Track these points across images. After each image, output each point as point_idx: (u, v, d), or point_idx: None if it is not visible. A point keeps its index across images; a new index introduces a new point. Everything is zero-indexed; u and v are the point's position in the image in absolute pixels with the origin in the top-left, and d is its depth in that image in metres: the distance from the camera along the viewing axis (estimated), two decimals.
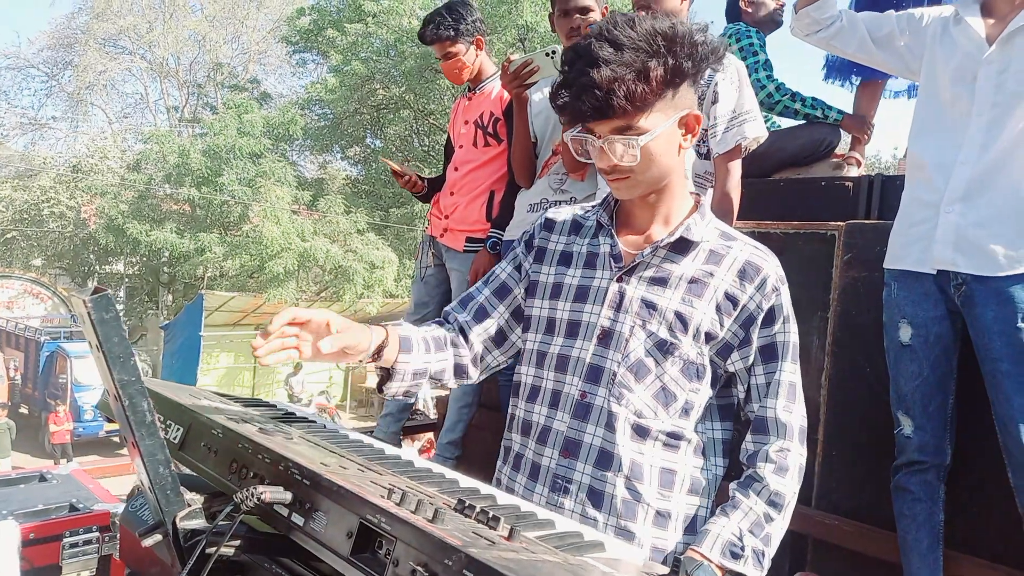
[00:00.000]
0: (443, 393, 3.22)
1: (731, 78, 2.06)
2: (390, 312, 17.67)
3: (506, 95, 2.57)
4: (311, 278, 18.06)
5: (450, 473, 1.22)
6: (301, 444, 1.16)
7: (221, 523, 0.95)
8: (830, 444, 2.04)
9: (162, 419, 1.24)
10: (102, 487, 2.83)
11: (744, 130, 2.05)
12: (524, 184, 2.55)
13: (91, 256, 22.33)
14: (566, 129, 1.23)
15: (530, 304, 1.34)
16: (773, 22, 3.07)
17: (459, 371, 1.35)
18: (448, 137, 3.04)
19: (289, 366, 16.65)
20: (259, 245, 15.14)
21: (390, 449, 1.34)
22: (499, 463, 1.37)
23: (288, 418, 1.50)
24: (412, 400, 2.91)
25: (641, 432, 1.20)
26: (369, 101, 16.83)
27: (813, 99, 2.87)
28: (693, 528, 1.23)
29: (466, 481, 1.20)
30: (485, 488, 1.17)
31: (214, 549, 0.95)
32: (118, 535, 1.63)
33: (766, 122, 2.59)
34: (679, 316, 1.19)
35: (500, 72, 2.36)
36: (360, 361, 1.21)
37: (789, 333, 1.22)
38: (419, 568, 0.72)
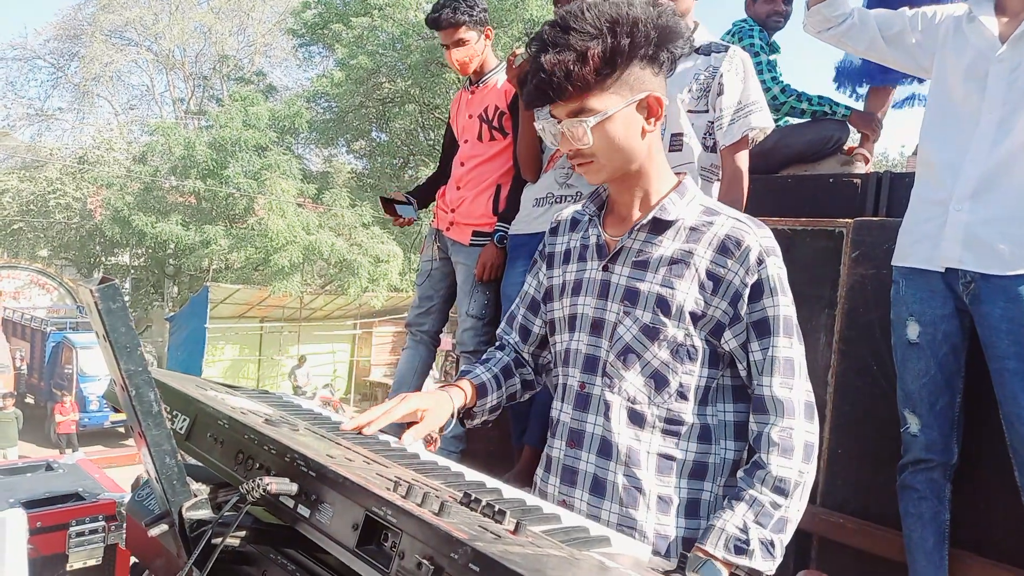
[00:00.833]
0: None
1: (736, 69, 2.05)
2: (394, 306, 17.70)
3: (511, 88, 2.56)
4: (316, 271, 18.09)
5: (456, 466, 1.22)
6: (307, 436, 1.16)
7: (227, 514, 0.95)
8: (836, 442, 2.03)
9: (168, 409, 1.24)
10: (108, 476, 2.83)
11: (751, 120, 2.04)
12: (530, 178, 2.54)
13: (97, 247, 22.44)
14: (535, 117, 1.26)
15: (549, 309, 1.38)
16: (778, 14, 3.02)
17: (526, 386, 1.48)
18: (448, 129, 3.04)
19: (294, 358, 16.72)
20: (264, 238, 15.19)
21: (395, 442, 1.34)
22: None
23: (294, 410, 1.50)
24: None
25: (636, 418, 1.21)
26: (375, 95, 16.79)
27: (819, 97, 2.85)
28: (695, 512, 1.21)
29: (472, 475, 1.20)
30: (491, 482, 1.17)
31: (220, 539, 0.95)
32: (124, 524, 1.64)
33: (774, 122, 2.57)
34: (660, 299, 1.19)
35: (505, 65, 2.35)
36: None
37: (779, 307, 1.17)
38: (425, 561, 0.72)
